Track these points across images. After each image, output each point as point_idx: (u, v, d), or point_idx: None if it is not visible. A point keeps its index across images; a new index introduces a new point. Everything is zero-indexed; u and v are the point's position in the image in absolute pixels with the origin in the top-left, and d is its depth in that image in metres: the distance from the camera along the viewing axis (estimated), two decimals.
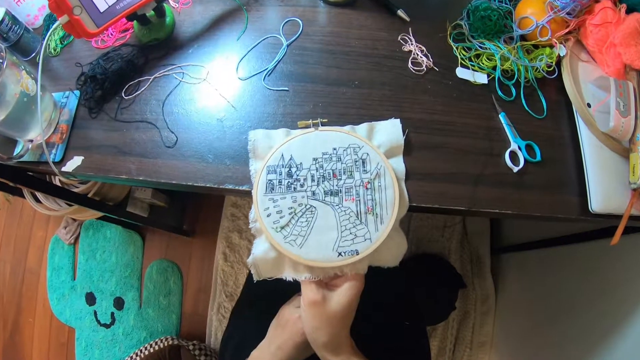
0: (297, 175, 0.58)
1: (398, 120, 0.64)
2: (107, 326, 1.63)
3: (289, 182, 0.57)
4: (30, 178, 0.82)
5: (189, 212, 1.70)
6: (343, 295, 0.53)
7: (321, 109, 0.66)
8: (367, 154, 0.59)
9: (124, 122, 0.69)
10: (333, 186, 0.57)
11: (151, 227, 1.66)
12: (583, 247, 0.99)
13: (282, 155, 0.59)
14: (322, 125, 0.63)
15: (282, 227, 0.55)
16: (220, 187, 0.62)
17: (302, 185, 0.57)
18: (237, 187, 0.62)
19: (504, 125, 0.65)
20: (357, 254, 0.54)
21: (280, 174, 0.58)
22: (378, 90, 0.68)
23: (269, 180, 0.58)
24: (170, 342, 1.38)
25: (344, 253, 0.54)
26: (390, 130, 0.63)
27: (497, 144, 0.64)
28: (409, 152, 0.63)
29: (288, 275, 0.56)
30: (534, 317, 1.20)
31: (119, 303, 1.63)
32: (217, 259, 1.62)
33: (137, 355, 1.39)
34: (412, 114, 0.66)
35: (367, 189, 0.57)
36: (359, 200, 0.56)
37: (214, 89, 0.70)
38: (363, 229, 0.55)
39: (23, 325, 1.75)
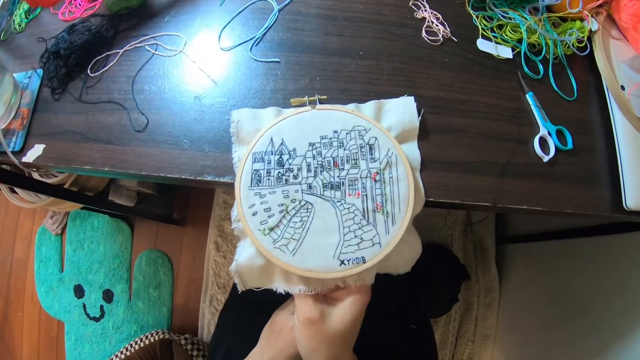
0: (290, 164, 0.46)
1: (412, 97, 0.52)
2: (96, 319, 1.52)
3: (279, 172, 0.45)
4: None
5: (179, 199, 1.57)
6: (346, 311, 0.43)
7: (319, 83, 0.54)
8: (376, 138, 0.47)
9: (89, 104, 0.58)
10: (334, 178, 0.45)
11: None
12: (598, 241, 0.90)
13: (272, 139, 0.47)
14: (320, 103, 0.51)
15: (271, 229, 0.43)
16: (198, 178, 0.50)
17: (295, 177, 0.45)
18: (217, 179, 0.50)
19: (533, 106, 0.55)
20: (364, 261, 0.42)
21: (269, 163, 0.46)
22: (387, 63, 0.56)
23: (255, 170, 0.45)
24: (161, 336, 1.30)
25: (348, 261, 0.42)
26: (402, 110, 0.51)
27: (524, 128, 0.54)
28: (424, 137, 0.52)
29: (279, 286, 0.44)
30: (541, 311, 1.12)
31: (108, 295, 1.52)
32: (208, 249, 1.51)
33: (127, 350, 1.31)
34: (427, 90, 0.54)
35: (375, 181, 0.45)
36: (366, 195, 0.45)
37: (192, 62, 0.58)
38: (371, 231, 0.43)
39: (12, 319, 1.65)
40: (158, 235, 1.56)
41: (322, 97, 0.52)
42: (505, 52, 0.58)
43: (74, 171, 0.60)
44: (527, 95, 0.55)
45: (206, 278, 1.49)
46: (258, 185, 0.45)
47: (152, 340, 1.30)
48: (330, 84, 0.54)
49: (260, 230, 0.43)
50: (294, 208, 0.44)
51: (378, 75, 0.55)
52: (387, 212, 0.44)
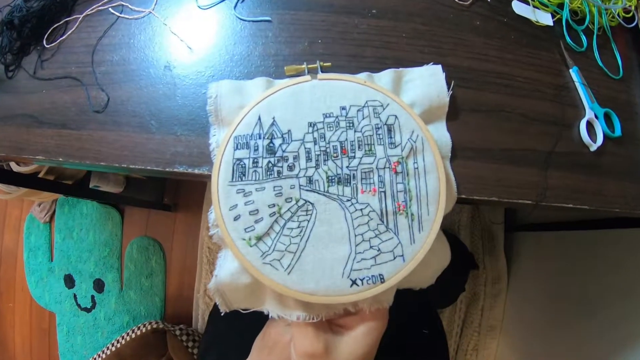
0: (284, 151, 0.34)
1: (439, 66, 0.40)
2: (87, 310, 1.43)
3: (269, 162, 0.34)
4: None
5: (170, 182, 1.45)
6: (357, 344, 0.33)
7: (321, 47, 0.42)
8: (395, 116, 0.35)
9: (44, 80, 0.47)
10: (342, 169, 0.34)
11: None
12: (616, 234, 0.81)
13: (259, 118, 0.35)
14: (322, 72, 0.38)
15: (259, 238, 0.32)
16: (167, 169, 0.39)
17: (291, 168, 0.34)
18: (190, 170, 0.38)
19: (578, 84, 0.45)
20: (382, 281, 0.31)
21: (256, 150, 0.34)
22: (406, 23, 0.44)
23: (238, 159, 0.34)
24: (155, 326, 1.21)
25: (362, 280, 0.31)
26: (427, 82, 0.39)
27: (569, 109, 0.44)
28: (453, 116, 0.41)
29: (271, 310, 0.33)
30: (550, 305, 1.03)
31: (98, 285, 1.42)
32: (202, 236, 1.40)
33: (118, 342, 1.23)
34: (456, 59, 0.43)
35: (396, 173, 0.34)
36: (384, 191, 0.33)
37: (163, 24, 0.46)
38: (391, 239, 0.32)
39: (4, 311, 1.55)
40: (149, 221, 1.45)
41: (325, 64, 0.39)
42: (545, 18, 0.48)
43: (30, 162, 0.49)
44: (571, 71, 0.45)
45: (200, 266, 1.39)
46: (241, 180, 0.33)
47: (143, 330, 1.22)
48: (336, 47, 0.42)
49: (244, 239, 0.32)
50: (289, 210, 0.33)
51: (395, 39, 0.43)
52: (411, 215, 0.33)
